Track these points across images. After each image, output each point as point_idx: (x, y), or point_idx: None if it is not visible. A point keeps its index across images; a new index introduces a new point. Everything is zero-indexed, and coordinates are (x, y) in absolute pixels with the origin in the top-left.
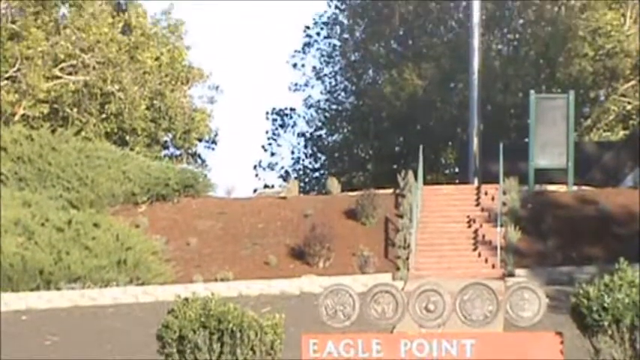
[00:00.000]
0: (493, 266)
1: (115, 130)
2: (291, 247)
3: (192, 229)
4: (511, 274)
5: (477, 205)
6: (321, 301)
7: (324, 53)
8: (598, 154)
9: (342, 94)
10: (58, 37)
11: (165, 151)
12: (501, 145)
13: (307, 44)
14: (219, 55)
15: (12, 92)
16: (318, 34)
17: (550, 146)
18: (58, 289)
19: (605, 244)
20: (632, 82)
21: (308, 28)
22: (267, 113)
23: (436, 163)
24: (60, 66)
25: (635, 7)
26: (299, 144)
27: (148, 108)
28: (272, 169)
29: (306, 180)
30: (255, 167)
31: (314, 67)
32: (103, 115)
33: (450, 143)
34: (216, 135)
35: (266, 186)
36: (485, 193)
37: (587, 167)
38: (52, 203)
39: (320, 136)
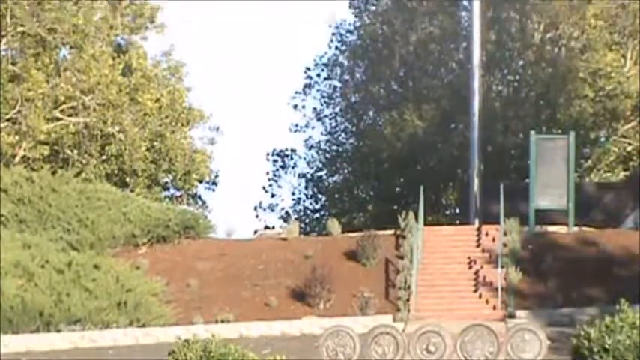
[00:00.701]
0: (494, 307)
1: (116, 172)
2: (292, 289)
3: (193, 271)
4: (512, 316)
5: (478, 246)
6: (321, 342)
7: (325, 94)
8: (598, 195)
9: (343, 135)
10: (58, 79)
11: (166, 193)
12: (502, 186)
13: (308, 85)
14: (220, 97)
15: (12, 134)
16: (318, 75)
17: (550, 187)
18: (59, 330)
19: (606, 286)
20: (633, 124)
21: (308, 69)
22: (268, 154)
23: (437, 204)
24: (60, 108)
25: (636, 49)
26: (299, 185)
27: (148, 149)
28: (272, 211)
29: (307, 221)
30: (255, 208)
31: (314, 109)
32: (104, 157)
33: (450, 184)
34: (216, 176)
35: (266, 227)
36: (486, 234)
37: (588, 208)
38: (52, 245)
39: (320, 177)
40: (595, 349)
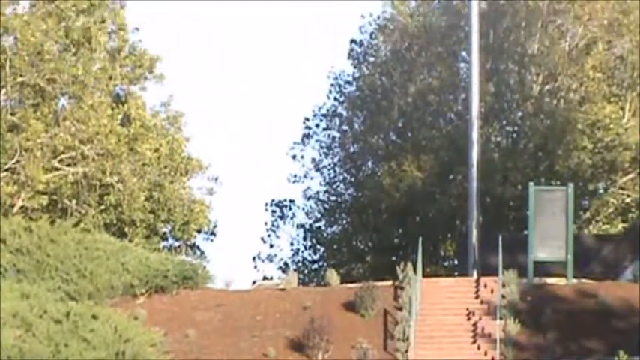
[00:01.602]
0: (492, 359)
1: (114, 222)
2: (290, 339)
3: (191, 321)
4: None
5: (477, 297)
6: None
7: (324, 145)
8: (597, 246)
9: (342, 185)
10: (57, 129)
11: (164, 243)
12: (500, 238)
13: (306, 136)
14: (219, 147)
15: (11, 184)
16: (317, 125)
17: (549, 239)
18: None
19: (604, 338)
20: (631, 175)
21: (307, 119)
22: (267, 205)
23: (435, 255)
24: (59, 157)
25: (634, 101)
26: (298, 235)
27: (147, 199)
28: (271, 261)
29: (306, 272)
30: (254, 259)
31: (313, 159)
32: (102, 207)
33: (449, 235)
34: (215, 226)
35: (265, 277)
36: (485, 286)
37: (587, 260)
38: (50, 295)
39: (319, 227)
40: None
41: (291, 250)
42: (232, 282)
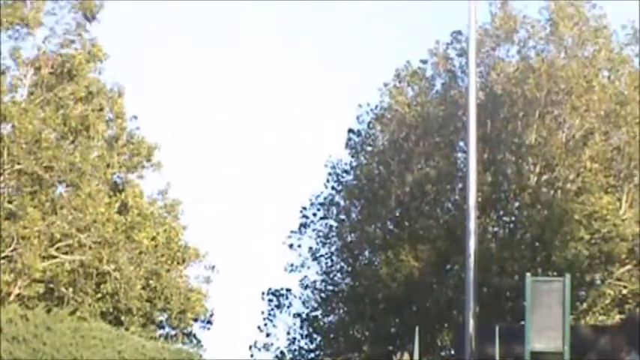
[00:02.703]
0: None
1: (111, 310)
2: None
3: None
4: None
5: None
6: None
7: (321, 234)
8: (594, 338)
9: (339, 275)
10: (54, 217)
11: (161, 331)
12: (497, 328)
13: (303, 225)
14: (216, 235)
15: (8, 272)
16: (314, 214)
17: (546, 329)
18: None
19: None
20: (628, 267)
21: (304, 208)
22: (263, 294)
23: (432, 344)
24: (56, 246)
25: (631, 192)
26: (295, 324)
27: (143, 288)
28: (267, 350)
29: None
30: (250, 347)
31: (310, 248)
32: (99, 295)
33: (446, 325)
34: (211, 315)
35: None
36: None
37: (584, 351)
38: None
39: (316, 316)
40: None
41: (288, 339)
42: None
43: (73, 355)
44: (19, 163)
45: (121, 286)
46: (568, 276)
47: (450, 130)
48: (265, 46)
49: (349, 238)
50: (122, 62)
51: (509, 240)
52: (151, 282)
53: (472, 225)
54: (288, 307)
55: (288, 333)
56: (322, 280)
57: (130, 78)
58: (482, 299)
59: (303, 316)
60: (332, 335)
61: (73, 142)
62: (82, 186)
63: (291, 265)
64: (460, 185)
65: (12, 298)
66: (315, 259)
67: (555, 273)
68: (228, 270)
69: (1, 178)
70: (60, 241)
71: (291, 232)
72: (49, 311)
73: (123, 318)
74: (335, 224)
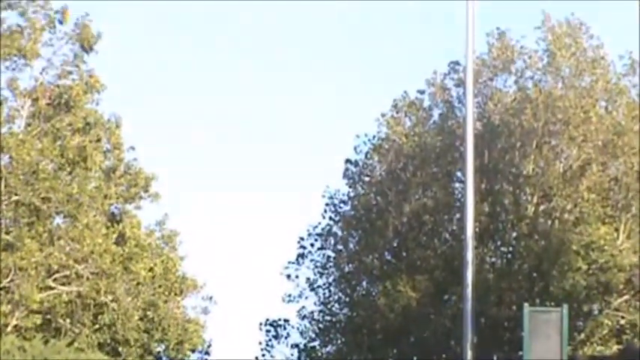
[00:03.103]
0: None
1: (108, 341)
2: None
3: None
4: None
5: None
6: None
7: (318, 264)
8: None
9: (336, 305)
10: (52, 248)
11: None
12: (495, 359)
13: (301, 255)
14: (213, 266)
15: (5, 303)
16: (312, 245)
17: None
18: None
19: None
20: (626, 297)
21: (302, 239)
22: (261, 324)
23: None
24: (54, 277)
25: (629, 222)
26: (292, 355)
27: (141, 319)
28: None
29: None
30: None
31: (308, 279)
32: (96, 326)
33: (444, 356)
34: (209, 346)
35: None
36: None
37: None
38: None
39: (314, 347)
40: None
41: None
42: None
43: None
44: (16, 194)
45: (118, 317)
46: (566, 306)
47: (447, 160)
48: (262, 76)
49: (347, 269)
50: (119, 93)
51: (506, 270)
52: (148, 313)
53: (470, 255)
54: (286, 337)
55: None
56: (320, 311)
57: (128, 109)
58: (480, 330)
59: (301, 346)
60: None
61: (70, 173)
62: (80, 217)
63: (289, 295)
64: (458, 215)
65: (9, 329)
66: (312, 289)
67: (553, 303)
68: (226, 301)
69: None
70: (57, 272)
71: (289, 262)
72: (46, 342)
73: (120, 349)
74: (332, 255)
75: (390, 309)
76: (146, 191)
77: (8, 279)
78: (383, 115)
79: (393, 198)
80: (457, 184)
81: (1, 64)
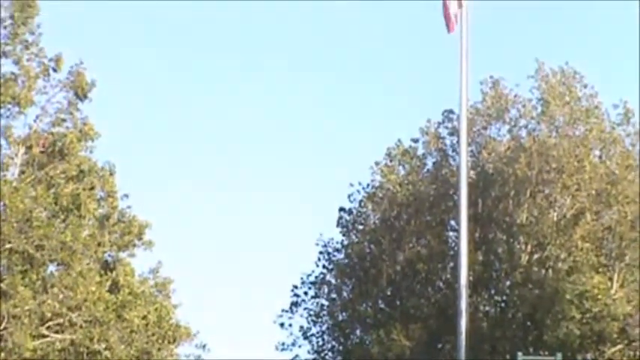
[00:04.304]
0: None
1: None
2: None
3: None
4: None
5: None
6: None
7: (312, 313)
8: None
9: (330, 354)
10: (45, 296)
11: None
12: None
13: (295, 304)
14: (207, 314)
15: None
16: (305, 293)
17: None
18: None
19: None
20: (619, 346)
21: (296, 287)
22: None
23: None
24: (47, 324)
25: (622, 271)
26: None
27: None
28: None
29: None
30: None
31: (301, 327)
32: None
33: None
34: None
35: None
36: None
37: None
38: None
39: None
40: None
41: None
42: None
43: None
44: (10, 242)
45: None
46: (559, 355)
47: (441, 208)
48: (256, 123)
49: (340, 317)
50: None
51: (500, 319)
52: None
53: (463, 304)
54: None
55: None
56: (313, 359)
57: (122, 156)
58: None
59: None
60: None
61: (64, 220)
62: (73, 265)
63: (282, 344)
64: (451, 264)
65: None
66: (306, 337)
67: (547, 352)
68: (220, 349)
69: None
70: (51, 319)
71: (283, 310)
72: None
73: None
74: (326, 303)
75: (383, 357)
76: (140, 239)
77: (1, 327)
78: (377, 164)
79: (387, 246)
80: (451, 233)
81: None
